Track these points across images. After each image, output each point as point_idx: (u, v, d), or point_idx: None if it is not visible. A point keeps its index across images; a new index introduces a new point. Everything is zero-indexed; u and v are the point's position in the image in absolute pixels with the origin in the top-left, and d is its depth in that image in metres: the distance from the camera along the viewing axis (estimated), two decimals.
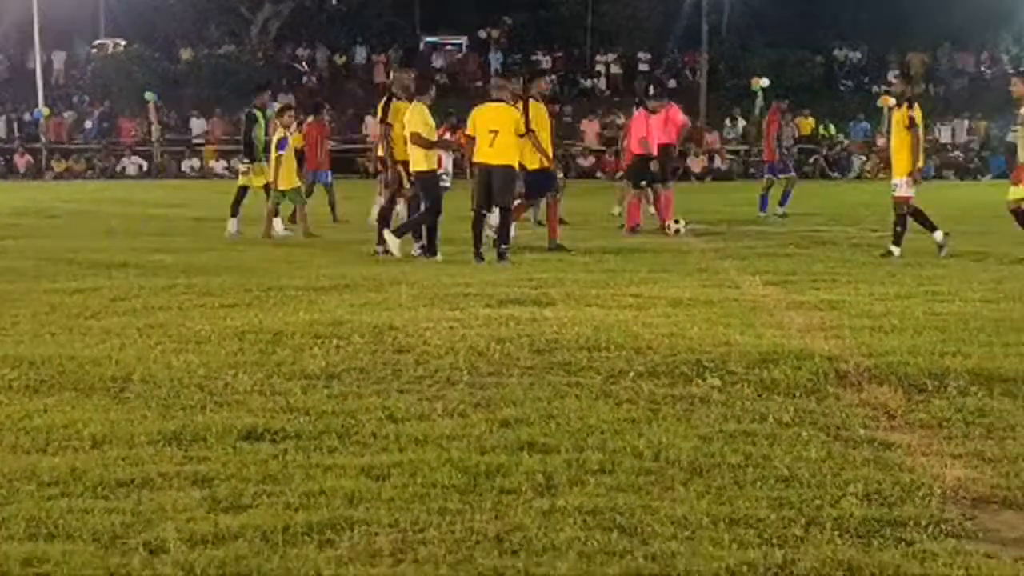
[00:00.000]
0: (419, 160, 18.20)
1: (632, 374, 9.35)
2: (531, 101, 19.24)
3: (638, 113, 24.50)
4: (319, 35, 64.80)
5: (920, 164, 18.30)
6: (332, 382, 9.20)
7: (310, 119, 28.27)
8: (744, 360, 9.74)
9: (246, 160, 24.64)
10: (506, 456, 7.13)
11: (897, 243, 18.15)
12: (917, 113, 18.27)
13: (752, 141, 53.48)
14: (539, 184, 19.82)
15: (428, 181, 18.35)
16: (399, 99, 19.00)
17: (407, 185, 18.78)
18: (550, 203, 20.44)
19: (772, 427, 7.82)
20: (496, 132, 17.77)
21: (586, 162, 52.71)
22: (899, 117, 18.34)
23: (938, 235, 18.27)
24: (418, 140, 18.13)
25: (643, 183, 23.71)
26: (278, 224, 23.15)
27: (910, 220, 18.05)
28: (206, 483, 6.68)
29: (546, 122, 19.44)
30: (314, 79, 63.08)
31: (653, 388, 8.91)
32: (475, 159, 18.16)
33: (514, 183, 18.49)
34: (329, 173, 27.88)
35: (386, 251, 18.36)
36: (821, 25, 64.36)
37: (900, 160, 18.30)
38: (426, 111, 18.31)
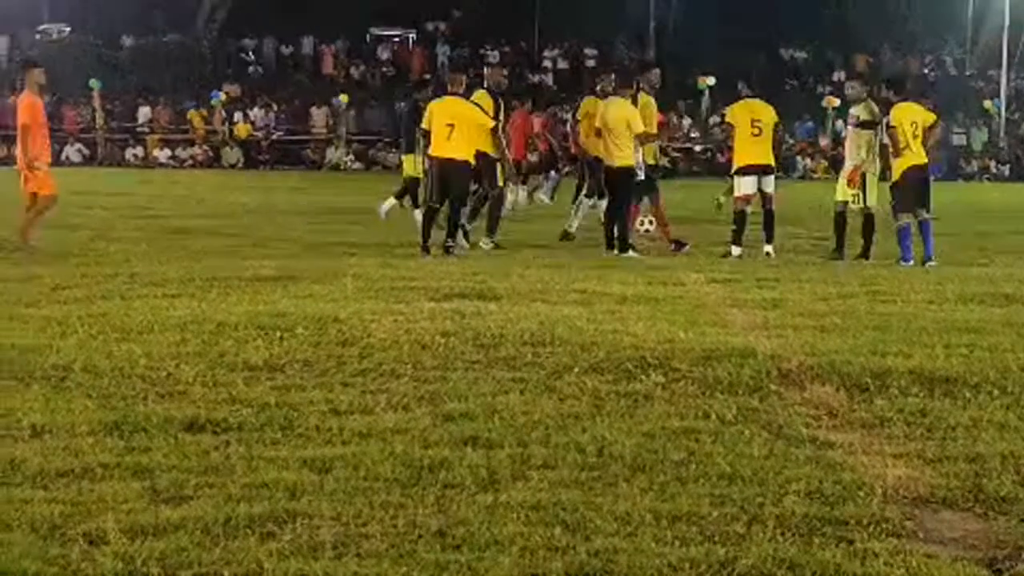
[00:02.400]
0: (627, 156, 18.33)
1: (576, 370, 9.36)
2: (641, 94, 19.27)
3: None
4: (266, 25, 64.45)
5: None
6: (275, 374, 9.17)
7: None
8: (687, 357, 9.76)
9: (407, 152, 24.19)
10: (449, 450, 7.12)
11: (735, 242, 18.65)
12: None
13: (701, 138, 53.66)
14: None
15: (631, 176, 18.48)
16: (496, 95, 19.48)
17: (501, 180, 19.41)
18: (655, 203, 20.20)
19: (715, 424, 7.85)
20: (452, 126, 17.77)
21: (534, 157, 52.65)
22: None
23: (735, 250, 18.51)
24: (647, 137, 18.63)
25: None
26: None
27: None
28: (147, 474, 6.64)
29: (654, 116, 19.39)
30: (260, 69, 62.83)
31: (597, 384, 8.92)
32: (431, 153, 18.15)
33: (469, 178, 18.42)
34: None
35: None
36: (767, 24, 64.62)
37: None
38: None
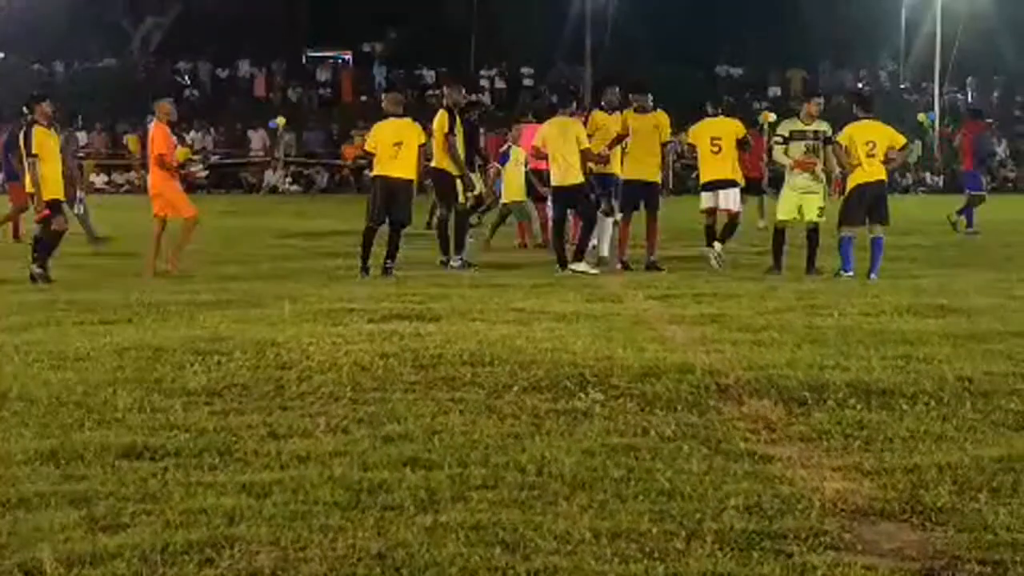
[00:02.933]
0: (579, 173, 18.43)
1: (516, 389, 9.37)
2: (597, 112, 19.51)
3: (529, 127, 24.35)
4: (202, 48, 64.30)
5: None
6: (213, 399, 9.12)
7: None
8: (626, 374, 9.80)
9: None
10: (389, 472, 7.11)
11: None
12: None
13: None
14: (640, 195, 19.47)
15: (587, 192, 18.69)
16: (453, 112, 19.68)
17: (463, 197, 19.52)
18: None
19: (654, 441, 7.87)
20: (400, 144, 17.83)
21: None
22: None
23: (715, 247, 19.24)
24: (590, 156, 18.62)
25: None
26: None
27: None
28: (84, 502, 6.59)
29: (610, 134, 19.29)
30: (195, 92, 62.60)
31: (536, 403, 8.93)
32: (376, 172, 18.17)
33: (412, 197, 18.45)
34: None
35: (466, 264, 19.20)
36: (703, 42, 65.02)
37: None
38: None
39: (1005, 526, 6.24)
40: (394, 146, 17.88)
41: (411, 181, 18.14)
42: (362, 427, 8.25)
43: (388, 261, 17.84)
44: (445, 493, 6.72)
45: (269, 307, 13.86)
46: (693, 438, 7.94)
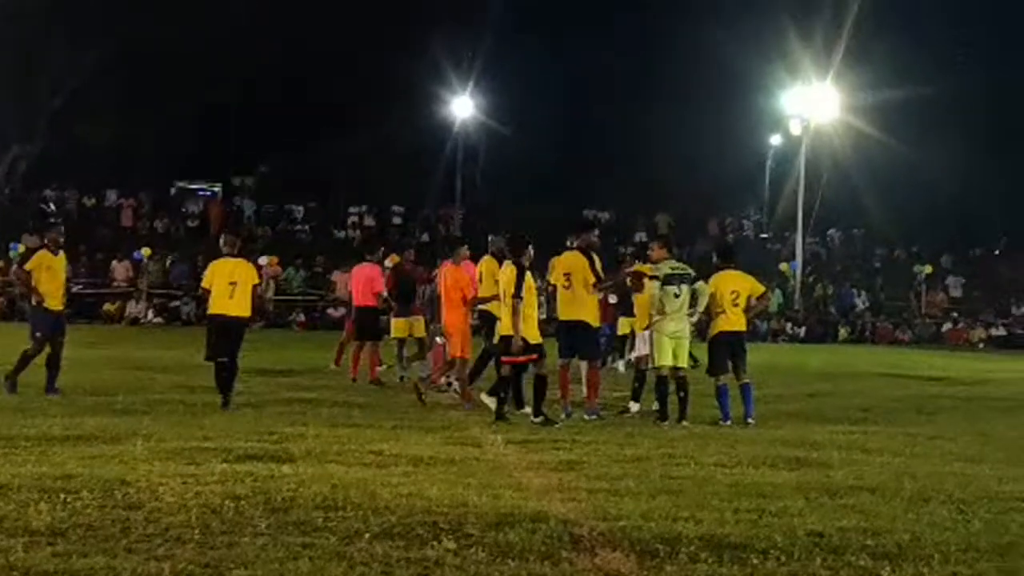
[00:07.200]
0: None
1: (368, 535, 9.27)
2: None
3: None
4: (69, 176, 63.81)
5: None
6: (57, 539, 8.93)
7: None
8: (481, 522, 9.74)
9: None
10: None
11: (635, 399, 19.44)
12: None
13: None
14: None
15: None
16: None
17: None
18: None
19: None
20: (235, 284, 18.29)
21: (337, 313, 52.45)
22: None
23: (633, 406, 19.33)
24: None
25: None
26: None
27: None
28: None
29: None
30: (60, 221, 61.91)
31: (388, 550, 8.85)
32: (212, 310, 18.49)
33: (243, 334, 18.80)
34: None
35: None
36: (572, 185, 65.91)
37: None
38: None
39: None
40: (229, 285, 18.35)
41: (245, 319, 18.71)
42: (208, 572, 8.11)
43: (226, 396, 18.13)
44: None
45: (123, 443, 13.62)
46: None
